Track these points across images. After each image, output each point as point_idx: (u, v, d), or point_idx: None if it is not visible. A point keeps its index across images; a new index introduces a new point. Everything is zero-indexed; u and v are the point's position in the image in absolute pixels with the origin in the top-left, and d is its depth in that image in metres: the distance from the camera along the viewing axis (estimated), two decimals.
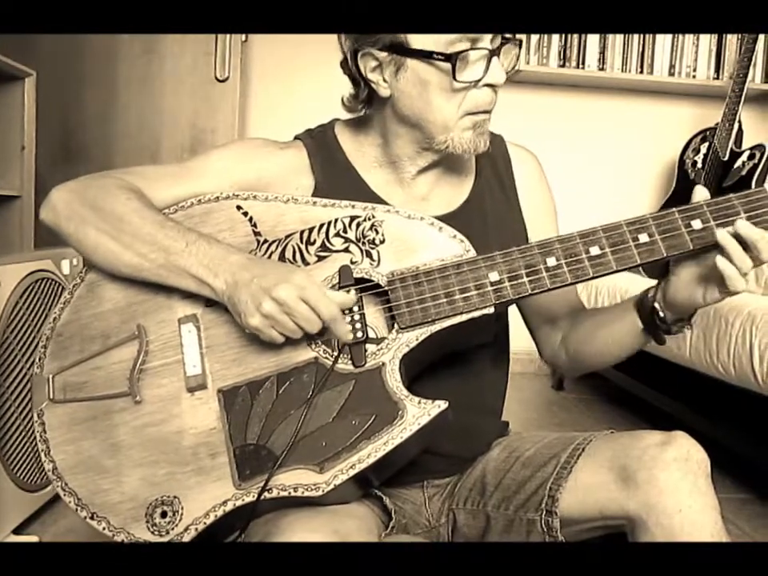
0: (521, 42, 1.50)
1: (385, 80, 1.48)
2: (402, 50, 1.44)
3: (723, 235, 1.32)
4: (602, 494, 1.40)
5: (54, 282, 2.39)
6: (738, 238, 1.32)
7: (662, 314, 1.47)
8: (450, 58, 1.40)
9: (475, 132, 1.49)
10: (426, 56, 1.42)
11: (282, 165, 1.58)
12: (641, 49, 4.63)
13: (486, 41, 1.42)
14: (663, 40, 4.65)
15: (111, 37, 4.12)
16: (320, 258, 1.44)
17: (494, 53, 1.43)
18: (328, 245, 1.44)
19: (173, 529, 1.33)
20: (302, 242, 1.45)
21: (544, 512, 1.47)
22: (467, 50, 1.41)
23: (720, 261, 1.32)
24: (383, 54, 1.45)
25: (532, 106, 4.80)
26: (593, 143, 4.93)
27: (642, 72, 4.65)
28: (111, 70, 4.21)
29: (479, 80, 1.43)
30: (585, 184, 4.84)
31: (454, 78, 1.41)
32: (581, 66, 4.60)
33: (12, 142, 3.25)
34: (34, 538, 2.23)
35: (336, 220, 1.45)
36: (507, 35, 1.46)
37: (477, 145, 1.50)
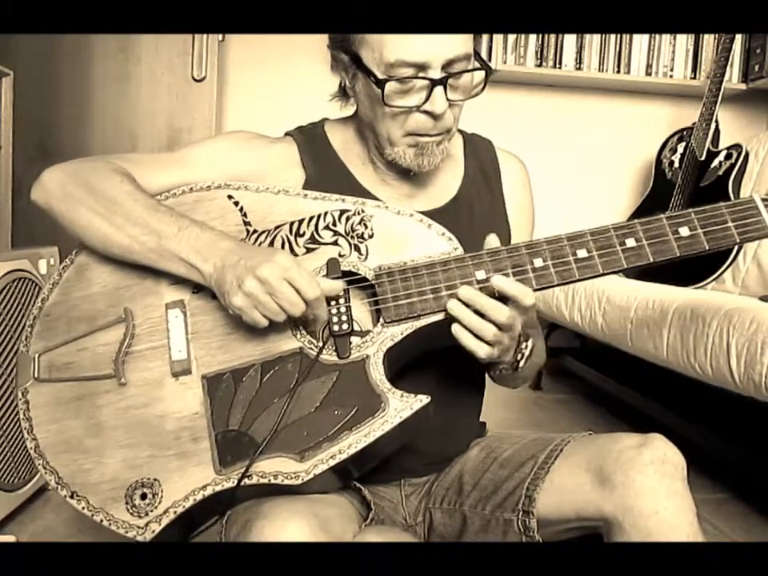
0: (489, 69, 1.50)
1: (350, 82, 1.52)
2: (356, 61, 1.46)
3: (453, 305, 1.34)
4: (579, 495, 1.41)
5: (31, 282, 2.37)
6: (498, 294, 1.33)
7: None
8: (380, 83, 1.41)
9: (417, 150, 1.50)
10: (368, 74, 1.44)
11: (273, 158, 1.60)
12: (618, 49, 4.64)
13: (437, 69, 1.41)
14: (640, 40, 4.66)
15: (87, 36, 4.09)
16: (308, 250, 1.45)
17: (439, 82, 1.41)
18: (317, 237, 1.45)
19: (152, 511, 1.34)
20: (291, 233, 1.46)
21: (521, 512, 1.47)
22: (400, 79, 1.41)
23: (455, 328, 1.34)
24: (347, 59, 1.48)
25: (509, 106, 4.80)
26: (569, 143, 4.93)
27: (618, 72, 4.66)
28: (87, 69, 4.16)
29: (414, 107, 1.44)
30: (561, 183, 4.84)
31: (384, 102, 1.42)
32: (558, 65, 4.61)
33: None
34: (11, 538, 2.21)
35: (326, 213, 1.47)
36: (468, 67, 1.45)
37: (419, 163, 1.51)
